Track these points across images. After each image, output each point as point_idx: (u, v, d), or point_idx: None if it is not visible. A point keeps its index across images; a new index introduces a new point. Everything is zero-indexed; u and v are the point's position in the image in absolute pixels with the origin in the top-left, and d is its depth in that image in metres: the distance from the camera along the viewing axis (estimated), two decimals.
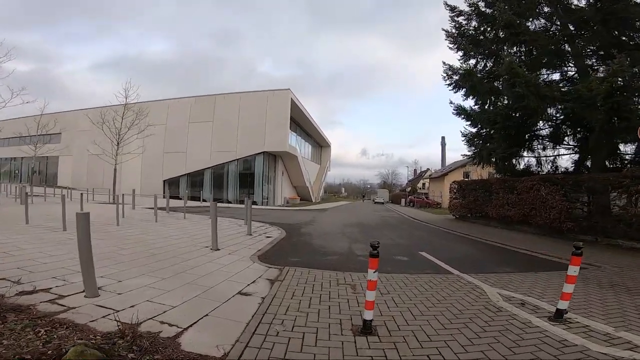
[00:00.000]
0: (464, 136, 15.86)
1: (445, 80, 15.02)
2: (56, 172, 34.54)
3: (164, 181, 27.33)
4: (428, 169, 75.96)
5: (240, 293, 3.82)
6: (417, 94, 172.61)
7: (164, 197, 22.74)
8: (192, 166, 26.41)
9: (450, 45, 15.02)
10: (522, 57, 13.01)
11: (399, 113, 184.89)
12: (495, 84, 13.00)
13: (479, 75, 13.54)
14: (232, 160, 25.58)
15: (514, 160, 15.07)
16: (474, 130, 15.31)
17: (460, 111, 15.59)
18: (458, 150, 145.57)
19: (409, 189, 78.33)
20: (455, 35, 14.55)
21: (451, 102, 15.89)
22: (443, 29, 14.90)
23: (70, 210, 10.24)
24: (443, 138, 50.77)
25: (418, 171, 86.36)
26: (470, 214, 15.50)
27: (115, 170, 17.99)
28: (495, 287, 4.55)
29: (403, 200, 43.94)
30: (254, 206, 23.03)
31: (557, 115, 12.55)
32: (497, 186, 12.91)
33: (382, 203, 52.46)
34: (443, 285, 4.61)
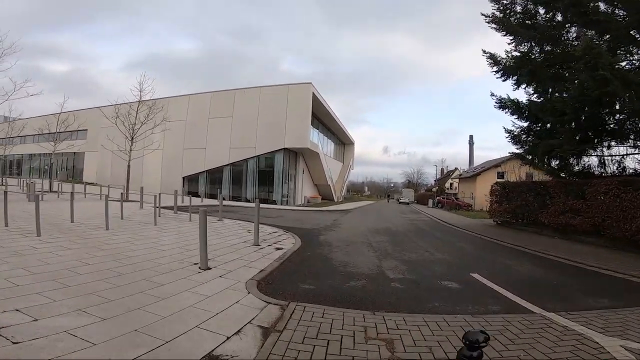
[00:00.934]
0: (508, 132, 13.92)
1: (492, 67, 13.12)
2: (82, 168, 35.02)
3: (183, 178, 26.73)
4: (456, 169, 72.53)
5: (209, 357, 2.38)
6: (443, 91, 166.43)
7: (187, 195, 22.10)
8: (211, 163, 25.59)
9: (494, 27, 13.07)
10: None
11: (423, 111, 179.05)
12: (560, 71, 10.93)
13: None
14: (251, 157, 24.48)
15: (571, 160, 12.96)
16: (523, 124, 13.25)
17: (505, 104, 13.69)
18: (486, 150, 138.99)
19: (435, 189, 75.14)
20: (500, 17, 12.59)
21: (493, 95, 14.01)
22: (483, 14, 12.98)
23: (77, 209, 9.37)
24: (471, 137, 47.99)
25: (445, 171, 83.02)
26: (515, 220, 13.42)
27: (129, 166, 17.27)
28: (612, 337, 2.91)
29: (430, 201, 41.45)
30: (273, 206, 21.98)
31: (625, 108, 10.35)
32: (555, 189, 10.83)
33: (407, 203, 50.17)
34: (529, 335, 2.98)
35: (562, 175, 12.95)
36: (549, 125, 12.43)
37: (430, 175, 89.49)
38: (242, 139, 24.46)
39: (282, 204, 23.47)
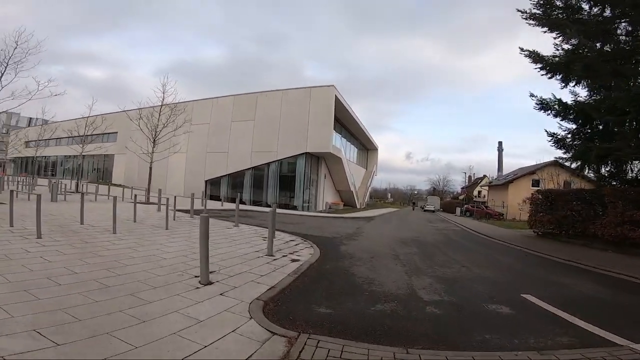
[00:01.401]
0: (551, 136, 12.70)
1: (535, 64, 12.00)
2: (112, 169, 36.14)
3: (206, 181, 26.75)
4: (485, 176, 69.55)
5: None
6: (468, 96, 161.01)
7: (210, 198, 21.95)
8: (233, 166, 25.43)
9: (532, 22, 11.99)
10: None
11: (448, 117, 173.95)
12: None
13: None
14: (272, 161, 24.08)
15: (626, 166, 11.56)
16: (571, 126, 11.96)
17: (547, 105, 12.55)
18: (516, 157, 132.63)
19: (462, 196, 72.11)
20: (540, 14, 11.50)
21: (532, 95, 12.94)
22: (519, 10, 11.92)
23: (93, 211, 9.11)
24: (500, 143, 45.20)
25: (473, 178, 79.68)
26: (559, 232, 12.02)
27: (150, 168, 17.22)
28: None
29: (458, 209, 39.48)
30: (293, 211, 21.35)
31: None
32: (611, 198, 9.47)
33: (433, 211, 48.26)
34: None
35: (614, 183, 11.52)
36: (601, 126, 11.10)
37: (456, 183, 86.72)
38: (263, 143, 24.15)
39: (303, 210, 22.83)
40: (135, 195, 10.64)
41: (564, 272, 6.70)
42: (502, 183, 37.78)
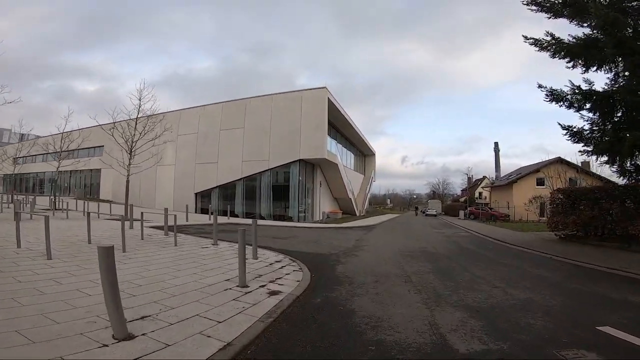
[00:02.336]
0: (567, 129, 11.47)
1: (548, 50, 10.86)
2: (96, 184, 34.65)
3: (196, 194, 25.25)
4: (485, 177, 68.58)
5: None
6: (460, 98, 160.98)
7: (202, 212, 20.36)
8: (224, 177, 23.98)
9: (533, 9, 10.97)
10: None
11: (442, 119, 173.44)
12: None
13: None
14: (265, 171, 22.65)
15: None
16: (592, 115, 10.67)
17: (558, 96, 11.38)
18: (511, 157, 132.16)
19: (463, 199, 70.61)
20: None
21: (541, 86, 11.84)
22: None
23: (57, 230, 7.61)
24: (496, 144, 44.12)
25: (472, 180, 78.53)
26: (586, 234, 10.61)
27: (127, 182, 15.77)
28: None
29: (462, 212, 38.02)
30: (288, 223, 19.82)
31: None
32: None
33: (435, 215, 46.78)
34: None
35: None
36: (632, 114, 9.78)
37: (456, 185, 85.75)
38: (255, 151, 22.78)
39: (299, 221, 21.33)
40: (112, 211, 9.14)
41: (622, 285, 5.27)
42: (506, 183, 36.48)
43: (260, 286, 4.66)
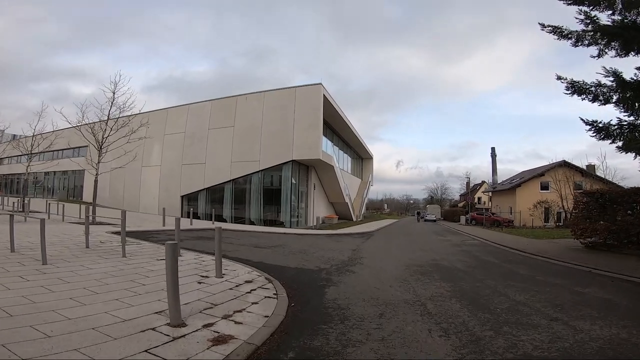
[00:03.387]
0: (591, 124, 10.21)
1: (569, 38, 9.70)
2: (79, 186, 32.88)
3: (182, 197, 23.55)
4: (484, 182, 67.47)
5: None
6: (454, 104, 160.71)
7: (188, 216, 18.76)
8: (211, 179, 22.33)
9: None
10: None
11: (436, 125, 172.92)
12: None
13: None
14: (255, 172, 21.02)
15: None
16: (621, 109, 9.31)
17: (580, 88, 10.25)
18: (505, 162, 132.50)
19: (461, 204, 69.22)
20: None
21: (560, 78, 10.70)
22: None
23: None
24: (493, 149, 42.91)
25: (471, 184, 77.37)
26: (620, 242, 9.10)
27: (96, 182, 14.11)
28: None
29: (463, 218, 36.51)
30: (279, 229, 17.99)
31: None
32: None
33: (434, 220, 45.32)
34: None
35: None
36: None
37: (454, 190, 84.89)
38: (245, 152, 21.18)
39: (291, 226, 19.69)
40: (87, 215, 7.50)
41: None
42: (509, 188, 35.04)
43: (204, 325, 3.04)
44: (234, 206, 21.70)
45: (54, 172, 34.81)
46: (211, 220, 18.85)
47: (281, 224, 19.99)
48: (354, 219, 30.80)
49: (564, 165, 31.31)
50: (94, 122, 14.23)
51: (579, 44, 10.08)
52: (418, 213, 33.54)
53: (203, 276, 5.07)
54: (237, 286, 4.64)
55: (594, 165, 33.72)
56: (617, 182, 27.88)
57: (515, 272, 6.85)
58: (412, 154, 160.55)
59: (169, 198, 23.67)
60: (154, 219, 16.97)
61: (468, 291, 5.02)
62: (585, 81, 10.35)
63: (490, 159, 47.84)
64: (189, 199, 23.48)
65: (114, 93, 14.07)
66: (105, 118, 14.10)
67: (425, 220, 51.47)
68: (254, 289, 4.52)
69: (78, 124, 14.07)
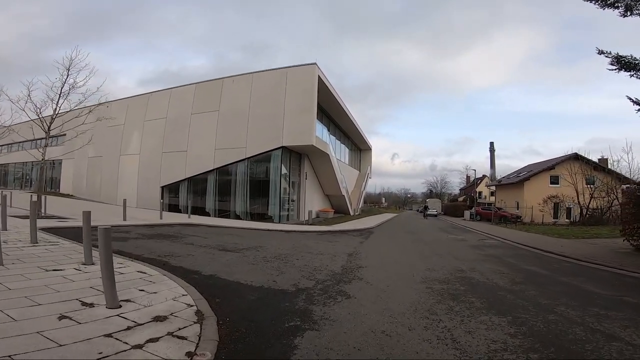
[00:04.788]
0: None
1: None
2: (57, 177, 30.51)
3: (162, 187, 21.25)
4: (485, 176, 65.67)
5: None
6: (452, 99, 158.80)
7: (170, 209, 16.30)
8: (193, 169, 20.04)
9: None
10: None
11: (432, 119, 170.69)
12: None
13: None
14: (241, 160, 18.76)
15: None
16: None
17: (628, 63, 8.56)
18: (502, 158, 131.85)
19: (461, 198, 67.35)
20: None
21: (602, 52, 8.91)
22: None
23: None
24: (492, 144, 41.36)
25: (471, 178, 75.87)
26: None
27: (42, 168, 11.89)
28: None
29: (467, 213, 34.52)
30: (266, 224, 14.61)
31: None
32: None
33: (435, 215, 43.34)
34: None
35: None
36: None
37: (454, 184, 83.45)
38: (230, 138, 18.91)
39: (280, 221, 17.54)
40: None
41: None
42: (518, 181, 32.96)
43: None
44: (218, 198, 19.47)
45: (32, 162, 32.43)
46: (189, 213, 16.64)
47: (269, 219, 17.84)
48: (352, 213, 28.69)
49: (576, 158, 29.24)
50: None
51: (629, 13, 8.41)
52: (425, 207, 30.23)
53: (86, 304, 2.91)
54: (127, 330, 2.47)
55: (606, 159, 31.85)
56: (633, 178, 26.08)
57: (586, 291, 4.72)
58: (408, 148, 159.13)
59: (149, 189, 21.43)
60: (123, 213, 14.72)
61: (546, 335, 2.88)
62: (635, 56, 8.54)
63: (488, 154, 46.16)
64: (170, 190, 21.24)
65: (68, 69, 11.62)
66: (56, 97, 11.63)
67: (426, 216, 49.60)
68: (156, 340, 2.35)
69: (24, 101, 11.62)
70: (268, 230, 12.41)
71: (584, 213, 24.38)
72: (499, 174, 44.39)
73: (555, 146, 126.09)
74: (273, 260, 6.06)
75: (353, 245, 9.36)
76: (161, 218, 13.29)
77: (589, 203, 23.98)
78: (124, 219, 11.66)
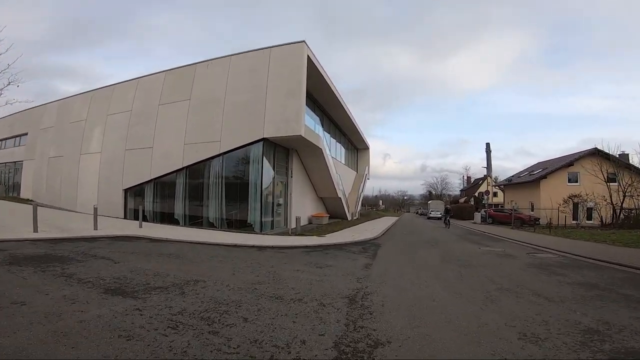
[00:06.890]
0: None
1: None
2: (19, 180, 26.84)
3: (125, 190, 17.86)
4: (486, 176, 63.20)
5: None
6: (444, 101, 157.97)
7: (134, 216, 12.73)
8: (160, 168, 16.66)
9: None
10: None
11: (426, 122, 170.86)
12: None
13: None
14: (214, 156, 15.42)
15: None
16: None
17: None
18: (495, 159, 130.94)
19: (463, 199, 64.52)
20: None
21: None
22: None
23: None
24: (488, 144, 39.81)
25: (472, 179, 73.68)
26: None
27: None
28: None
29: (478, 216, 31.35)
30: (243, 234, 11.33)
31: None
32: None
33: (439, 218, 40.42)
34: None
35: None
36: None
37: (454, 185, 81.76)
38: (202, 131, 15.60)
39: (262, 229, 14.21)
40: None
41: None
42: (532, 180, 29.89)
43: None
44: (189, 203, 16.10)
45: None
46: (140, 222, 13.26)
47: (249, 227, 14.51)
48: (349, 218, 25.38)
49: (596, 153, 26.33)
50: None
51: None
52: (447, 210, 25.30)
53: None
54: None
55: (627, 154, 29.11)
56: None
57: None
58: (403, 150, 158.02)
59: (110, 193, 18.04)
60: (76, 221, 11.30)
61: None
62: None
63: (483, 155, 44.11)
64: (135, 194, 17.82)
65: None
66: None
67: (429, 218, 46.61)
68: None
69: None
70: (234, 245, 9.01)
71: (618, 214, 21.32)
72: (493, 175, 42.46)
73: (548, 147, 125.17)
74: (185, 329, 2.76)
75: (355, 273, 5.98)
76: (95, 228, 9.92)
77: (622, 202, 20.96)
78: (35, 230, 8.31)
